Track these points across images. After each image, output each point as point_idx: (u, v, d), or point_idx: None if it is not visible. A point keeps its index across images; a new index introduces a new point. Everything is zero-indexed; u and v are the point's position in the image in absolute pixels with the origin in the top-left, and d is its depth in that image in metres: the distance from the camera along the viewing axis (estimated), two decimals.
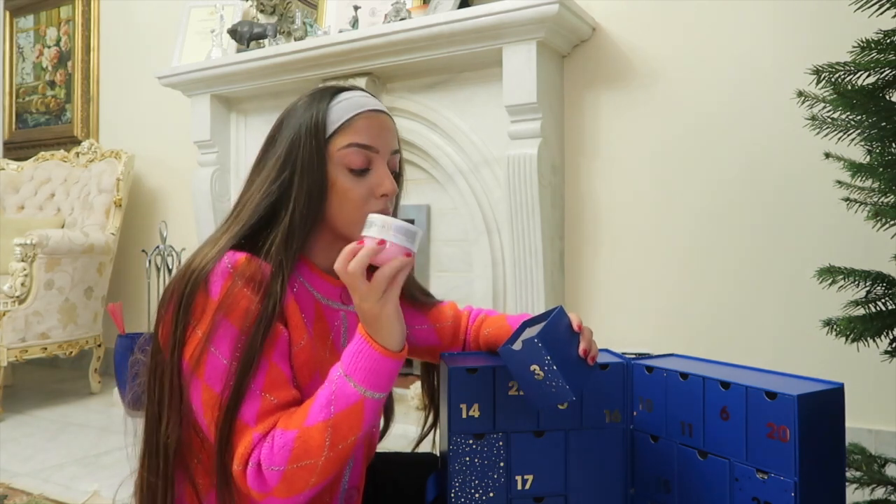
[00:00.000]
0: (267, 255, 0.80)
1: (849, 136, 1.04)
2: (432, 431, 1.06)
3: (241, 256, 0.78)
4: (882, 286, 1.06)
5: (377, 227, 0.75)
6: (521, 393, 0.89)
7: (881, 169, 1.00)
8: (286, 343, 0.80)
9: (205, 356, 0.75)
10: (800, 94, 1.05)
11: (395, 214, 0.93)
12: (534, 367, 0.80)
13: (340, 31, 2.26)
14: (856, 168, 1.05)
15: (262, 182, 0.84)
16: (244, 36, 2.51)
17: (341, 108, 0.85)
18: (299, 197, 0.82)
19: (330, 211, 0.84)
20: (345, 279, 0.74)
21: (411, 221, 2.26)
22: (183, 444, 0.81)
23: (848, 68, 0.98)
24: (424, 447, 1.07)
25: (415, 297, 1.03)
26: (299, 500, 0.74)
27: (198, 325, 0.76)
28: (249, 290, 0.77)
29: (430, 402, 1.08)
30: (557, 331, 0.83)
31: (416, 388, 2.13)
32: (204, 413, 0.76)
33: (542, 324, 0.83)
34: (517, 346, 0.82)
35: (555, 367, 0.78)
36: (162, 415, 0.79)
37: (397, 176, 0.91)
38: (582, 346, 0.84)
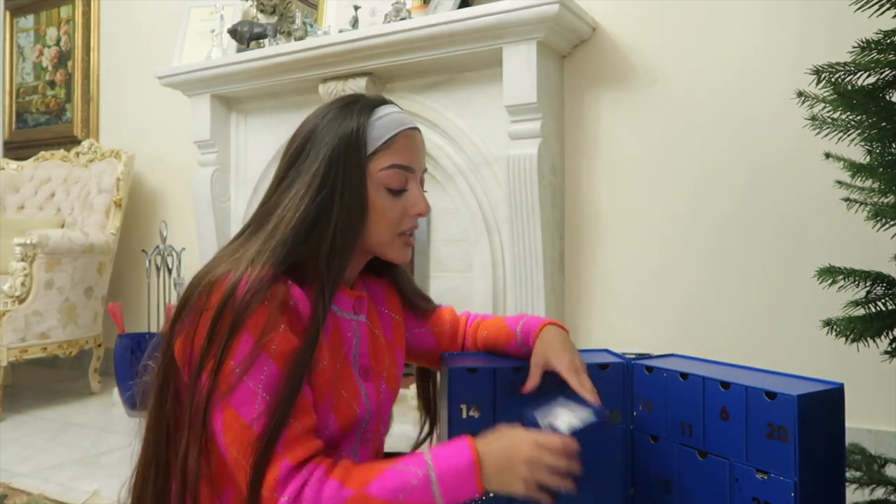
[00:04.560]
0: (308, 282, 0.78)
1: (849, 136, 1.03)
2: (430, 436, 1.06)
3: (284, 287, 0.76)
4: (882, 286, 1.06)
5: (564, 421, 0.76)
6: (521, 393, 0.89)
7: (881, 169, 1.00)
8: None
9: (238, 385, 0.72)
10: (800, 94, 1.05)
11: None
12: None
13: (340, 31, 2.26)
14: (856, 168, 1.05)
15: (296, 197, 0.80)
16: (244, 36, 2.51)
17: (382, 126, 0.84)
18: (340, 216, 0.79)
19: (366, 229, 0.83)
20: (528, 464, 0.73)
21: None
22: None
23: (848, 68, 0.98)
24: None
25: (416, 305, 1.02)
26: None
27: (231, 355, 0.72)
28: (289, 322, 0.75)
29: (427, 410, 1.07)
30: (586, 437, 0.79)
31: None
32: (224, 433, 0.73)
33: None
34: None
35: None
36: (177, 435, 0.78)
37: None
38: (591, 399, 0.84)
